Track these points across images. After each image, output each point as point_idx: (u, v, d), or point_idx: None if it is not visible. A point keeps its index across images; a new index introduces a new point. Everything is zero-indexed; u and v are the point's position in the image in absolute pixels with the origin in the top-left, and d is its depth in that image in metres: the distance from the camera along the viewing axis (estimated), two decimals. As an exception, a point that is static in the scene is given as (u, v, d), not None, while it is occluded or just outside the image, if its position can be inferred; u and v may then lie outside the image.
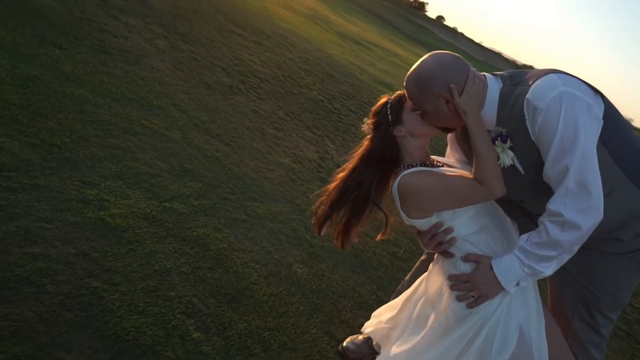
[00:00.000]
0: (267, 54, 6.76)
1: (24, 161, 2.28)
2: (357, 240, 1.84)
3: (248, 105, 4.52)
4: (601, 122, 1.41)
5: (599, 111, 1.42)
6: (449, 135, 1.78)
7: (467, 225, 1.59)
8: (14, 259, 1.74)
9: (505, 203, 1.69)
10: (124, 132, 2.97)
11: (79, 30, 4.06)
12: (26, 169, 2.24)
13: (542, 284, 1.67)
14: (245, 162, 3.39)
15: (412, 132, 1.58)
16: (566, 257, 1.45)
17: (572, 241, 1.39)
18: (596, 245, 1.57)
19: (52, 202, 2.12)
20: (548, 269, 1.46)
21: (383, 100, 1.66)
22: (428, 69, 1.49)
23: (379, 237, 1.79)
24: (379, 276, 2.74)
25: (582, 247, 1.44)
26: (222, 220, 2.59)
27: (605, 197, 1.38)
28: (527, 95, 1.41)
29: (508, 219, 1.71)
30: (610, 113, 1.46)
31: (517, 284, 1.51)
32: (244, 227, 2.63)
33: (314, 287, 2.39)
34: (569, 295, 1.70)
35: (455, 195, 1.54)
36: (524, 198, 1.65)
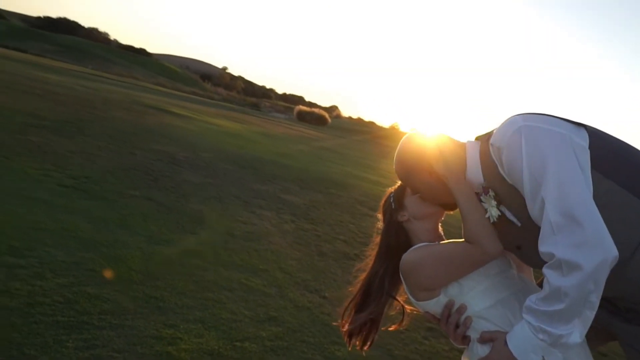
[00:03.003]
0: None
1: (122, 308, 2.70)
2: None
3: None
4: (586, 151, 1.27)
5: (581, 140, 1.29)
6: None
7: (479, 300, 1.45)
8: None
9: None
10: (221, 289, 3.31)
11: (216, 222, 4.93)
12: (121, 313, 2.64)
13: None
14: (338, 311, 3.34)
15: (415, 215, 1.59)
16: (588, 314, 1.19)
17: (577, 286, 1.13)
18: None
19: (129, 338, 2.41)
20: (569, 333, 1.20)
21: (388, 192, 1.73)
22: (405, 147, 1.57)
23: (394, 327, 1.69)
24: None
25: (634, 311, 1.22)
26: None
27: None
28: (491, 140, 1.39)
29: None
30: (604, 143, 1.32)
31: None
32: (308, 363, 2.50)
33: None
34: None
35: (450, 260, 1.47)
36: (521, 243, 1.42)
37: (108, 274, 3.09)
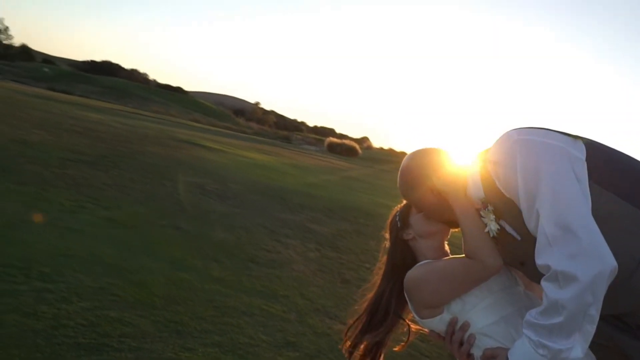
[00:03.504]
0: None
1: (142, 331, 2.76)
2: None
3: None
4: (583, 162, 1.27)
5: (577, 152, 1.29)
6: None
7: (482, 317, 1.45)
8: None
9: None
10: (241, 314, 3.33)
11: (239, 249, 4.99)
12: (140, 336, 2.70)
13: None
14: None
15: (420, 233, 1.60)
16: (588, 328, 1.16)
17: (574, 298, 1.11)
18: None
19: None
20: (570, 348, 1.17)
21: (394, 210, 1.75)
22: (406, 165, 1.60)
23: (399, 347, 1.68)
24: None
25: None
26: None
27: None
28: (487, 155, 1.41)
29: None
30: (601, 154, 1.31)
31: None
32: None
33: None
34: None
35: (451, 276, 1.46)
36: (524, 259, 1.39)
37: (130, 298, 3.17)
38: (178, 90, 75.22)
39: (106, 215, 5.09)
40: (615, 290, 1.20)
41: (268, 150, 20.54)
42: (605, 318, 1.31)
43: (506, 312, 1.37)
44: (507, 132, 1.36)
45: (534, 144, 1.27)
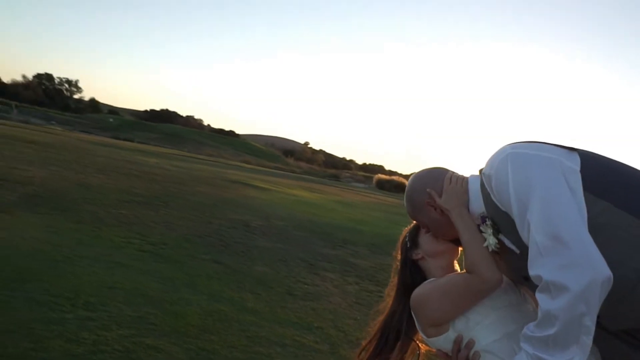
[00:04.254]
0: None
1: (174, 358, 2.85)
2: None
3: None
4: (577, 173, 1.26)
5: (572, 163, 1.29)
6: None
7: (486, 334, 1.47)
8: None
9: None
10: (273, 344, 3.36)
11: (277, 282, 5.06)
12: (172, 363, 2.78)
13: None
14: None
15: (428, 253, 1.62)
16: (585, 339, 1.13)
17: (566, 309, 1.10)
18: None
19: (176, 384, 2.53)
20: None
21: (404, 231, 1.79)
22: (410, 185, 1.65)
23: None
24: None
25: None
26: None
27: None
28: (483, 170, 1.44)
29: None
30: (597, 165, 1.31)
31: None
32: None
33: None
34: None
35: (452, 291, 1.47)
36: (526, 273, 1.38)
37: (167, 327, 3.29)
38: (230, 133, 78.34)
39: (152, 250, 5.35)
40: (622, 303, 1.17)
41: (315, 188, 20.77)
42: (619, 335, 1.27)
43: (510, 329, 1.36)
44: (502, 147, 1.38)
45: (526, 156, 1.29)
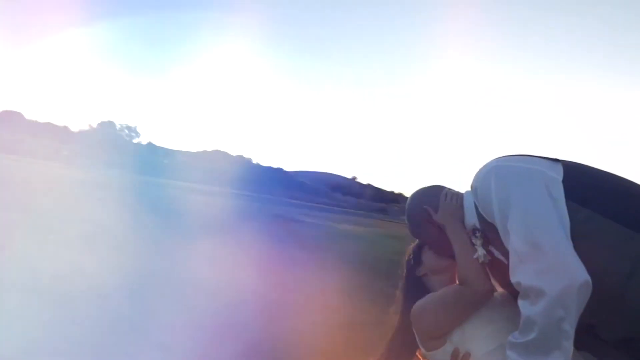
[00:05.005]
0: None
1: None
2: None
3: None
4: (559, 183, 1.28)
5: (554, 174, 1.32)
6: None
7: (482, 345, 1.45)
8: None
9: None
10: None
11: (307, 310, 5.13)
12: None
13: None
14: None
15: (432, 269, 1.65)
16: (565, 344, 1.15)
17: (544, 313, 1.12)
18: None
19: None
20: None
21: (409, 249, 1.80)
22: (408, 204, 1.69)
23: None
24: None
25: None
26: None
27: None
28: (471, 184, 1.49)
29: None
30: (580, 174, 1.35)
31: None
32: None
33: None
34: None
35: (446, 302, 1.49)
36: None
37: None
38: (278, 170, 79.78)
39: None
40: (613, 311, 1.18)
41: (362, 222, 20.67)
42: (618, 346, 1.25)
43: (505, 341, 1.31)
44: (488, 162, 1.43)
45: (509, 169, 1.34)
